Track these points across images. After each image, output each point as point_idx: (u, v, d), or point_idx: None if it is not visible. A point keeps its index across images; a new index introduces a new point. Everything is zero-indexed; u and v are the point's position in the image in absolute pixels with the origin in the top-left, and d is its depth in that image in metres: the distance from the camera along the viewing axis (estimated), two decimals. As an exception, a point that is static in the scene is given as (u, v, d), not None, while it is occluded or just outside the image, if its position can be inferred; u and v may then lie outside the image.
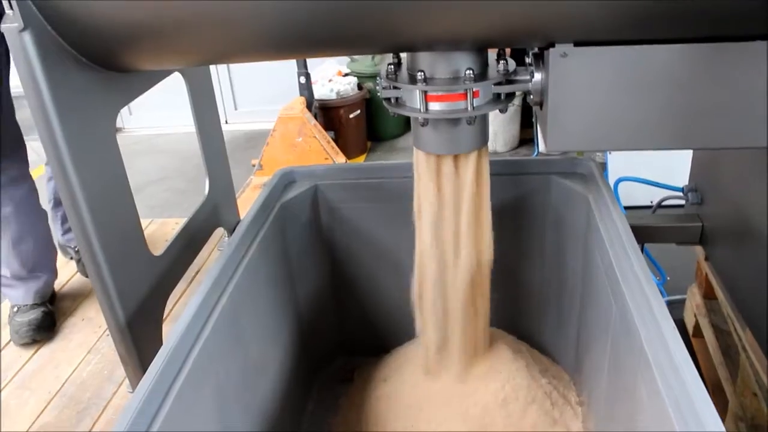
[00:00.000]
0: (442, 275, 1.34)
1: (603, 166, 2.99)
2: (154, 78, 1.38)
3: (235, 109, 4.87)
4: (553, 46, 1.03)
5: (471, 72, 1.10)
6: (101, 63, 1.14)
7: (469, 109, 1.13)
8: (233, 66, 4.66)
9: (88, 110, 1.13)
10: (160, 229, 2.64)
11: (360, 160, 4.05)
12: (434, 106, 1.14)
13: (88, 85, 1.13)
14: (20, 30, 0.97)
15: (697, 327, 1.91)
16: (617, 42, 1.02)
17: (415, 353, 1.55)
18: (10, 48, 0.99)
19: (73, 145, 1.08)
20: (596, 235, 1.28)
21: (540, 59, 1.11)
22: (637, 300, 1.02)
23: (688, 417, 0.80)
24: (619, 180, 2.28)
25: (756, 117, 1.04)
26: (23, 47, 0.98)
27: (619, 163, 2.80)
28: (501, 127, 3.74)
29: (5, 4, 0.96)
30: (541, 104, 1.14)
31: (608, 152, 2.85)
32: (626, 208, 2.62)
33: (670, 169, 2.28)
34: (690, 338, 1.98)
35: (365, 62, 4.08)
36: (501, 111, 1.19)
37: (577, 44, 1.03)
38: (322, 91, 3.83)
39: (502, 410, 1.42)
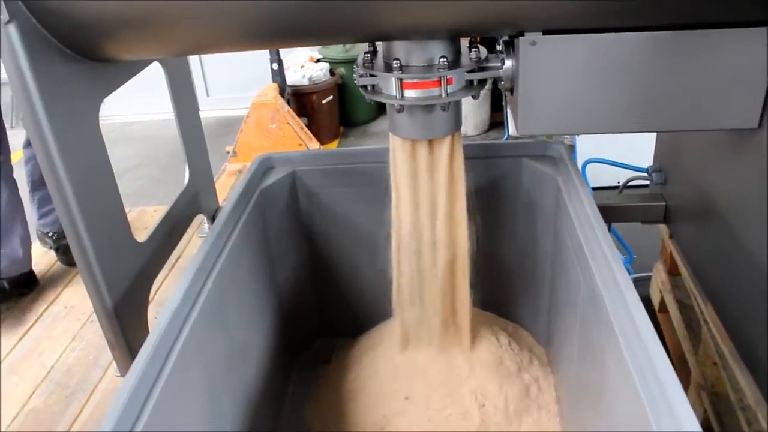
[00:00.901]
0: (420, 256, 1.39)
1: (571, 149, 3.06)
2: (136, 67, 1.40)
3: (207, 96, 4.86)
4: (522, 34, 1.09)
5: (445, 60, 1.15)
6: (85, 54, 1.16)
7: (443, 95, 1.17)
8: (204, 53, 4.63)
9: (73, 100, 1.16)
10: (139, 217, 2.65)
11: (333, 145, 4.07)
12: (410, 93, 1.18)
13: (72, 76, 1.15)
14: (5, 23, 0.99)
15: (662, 303, 1.98)
16: (584, 30, 1.07)
17: (390, 331, 1.60)
18: None
19: (58, 134, 1.10)
20: (565, 216, 1.33)
21: (510, 47, 1.16)
22: (604, 275, 1.08)
23: (651, 381, 0.85)
24: (587, 162, 2.35)
25: (715, 100, 1.11)
26: (9, 39, 1.00)
27: (588, 146, 2.88)
28: (471, 111, 3.80)
29: (-12, -4, 0.98)
30: (512, 90, 1.19)
31: (576, 135, 2.92)
32: (594, 188, 2.69)
33: (636, 151, 2.34)
34: (656, 314, 2.06)
35: (337, 48, 4.10)
36: (473, 97, 1.24)
37: (545, 33, 1.08)
38: (295, 77, 3.84)
39: (478, 382, 1.48)
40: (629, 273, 2.35)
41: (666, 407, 0.81)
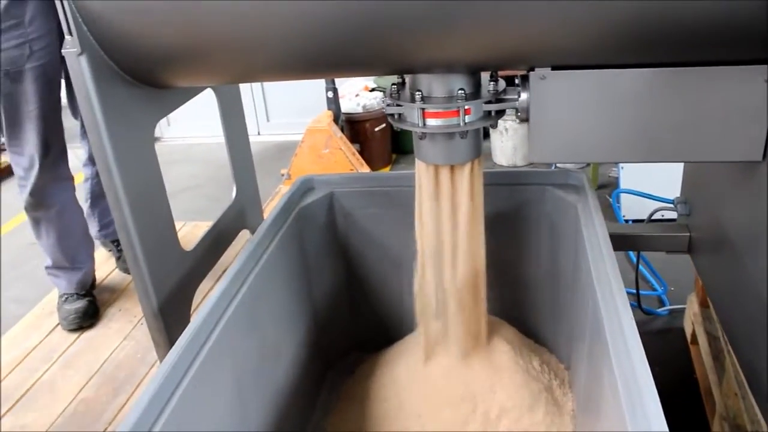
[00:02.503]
0: (441, 272, 1.48)
1: (616, 180, 3.09)
2: (188, 94, 1.56)
3: (268, 121, 5.07)
4: (533, 70, 1.18)
5: (462, 92, 1.25)
6: (143, 80, 1.32)
7: (461, 124, 1.27)
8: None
9: (131, 121, 1.31)
10: (192, 231, 2.84)
11: (384, 171, 4.19)
12: (431, 121, 1.28)
13: (131, 100, 1.31)
14: (78, 54, 1.16)
15: (694, 335, 1.99)
16: (590, 66, 1.16)
17: (409, 346, 1.68)
18: (69, 69, 1.17)
19: (117, 150, 1.26)
20: (581, 241, 1.40)
21: (526, 80, 1.25)
22: (606, 298, 1.14)
23: (636, 403, 0.90)
24: (618, 192, 2.38)
25: (718, 133, 1.17)
26: (80, 68, 1.17)
27: (631, 177, 2.89)
28: (521, 142, 3.85)
29: (66, 30, 1.15)
30: (527, 120, 1.28)
31: (621, 167, 2.95)
32: (635, 221, 2.72)
33: (677, 183, 2.37)
34: (688, 346, 2.07)
35: (392, 78, 4.23)
36: (492, 126, 1.33)
37: (554, 68, 1.17)
38: (349, 105, 3.99)
39: (497, 393, 1.54)
40: (665, 304, 2.38)
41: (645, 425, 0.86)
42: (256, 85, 4.88)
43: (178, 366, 1.08)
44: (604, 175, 3.48)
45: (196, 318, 1.18)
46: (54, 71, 2.07)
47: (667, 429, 0.84)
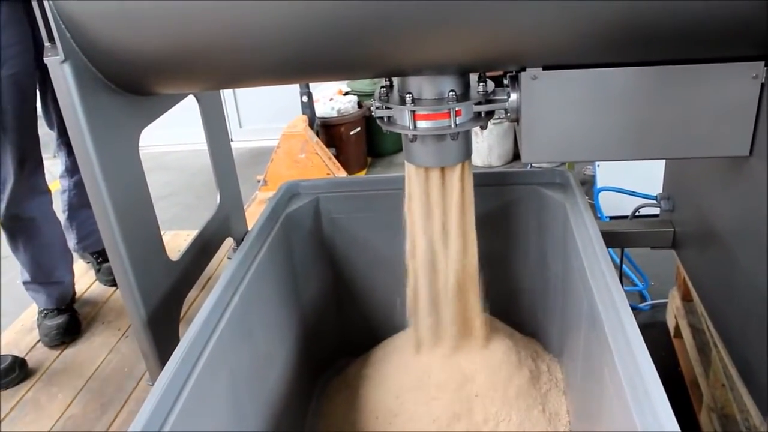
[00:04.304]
0: (433, 272, 1.48)
1: (592, 178, 3.12)
2: (173, 100, 1.53)
3: (240, 127, 5.01)
4: (524, 70, 1.18)
5: (453, 93, 1.25)
6: (128, 88, 1.29)
7: (452, 126, 1.27)
8: (238, 86, 4.79)
9: (116, 129, 1.29)
10: (173, 240, 2.79)
11: (361, 175, 4.18)
12: (422, 123, 1.28)
13: (115, 108, 1.28)
14: (61, 62, 1.12)
15: (677, 328, 2.02)
16: (581, 66, 1.16)
17: (402, 342, 1.67)
18: (51, 77, 1.14)
19: (102, 159, 1.23)
20: (572, 239, 1.41)
21: (516, 81, 1.25)
22: (602, 294, 1.15)
23: (641, 395, 0.91)
24: (600, 189, 2.40)
25: (706, 129, 1.19)
26: (64, 76, 1.13)
27: (607, 175, 2.92)
28: (496, 142, 3.88)
29: (47, 37, 1.11)
30: (517, 121, 1.28)
31: (597, 165, 2.98)
32: (613, 217, 2.75)
33: (655, 180, 2.40)
34: (672, 339, 2.10)
35: (365, 81, 4.22)
36: (481, 128, 1.33)
37: (545, 68, 1.18)
38: (324, 109, 3.97)
39: (490, 389, 1.55)
40: (646, 299, 2.41)
41: (653, 419, 0.87)
42: (228, 92, 4.83)
43: (176, 380, 1.05)
44: (579, 173, 3.52)
45: (191, 329, 1.15)
46: (28, 80, 2.01)
47: (674, 419, 0.85)
